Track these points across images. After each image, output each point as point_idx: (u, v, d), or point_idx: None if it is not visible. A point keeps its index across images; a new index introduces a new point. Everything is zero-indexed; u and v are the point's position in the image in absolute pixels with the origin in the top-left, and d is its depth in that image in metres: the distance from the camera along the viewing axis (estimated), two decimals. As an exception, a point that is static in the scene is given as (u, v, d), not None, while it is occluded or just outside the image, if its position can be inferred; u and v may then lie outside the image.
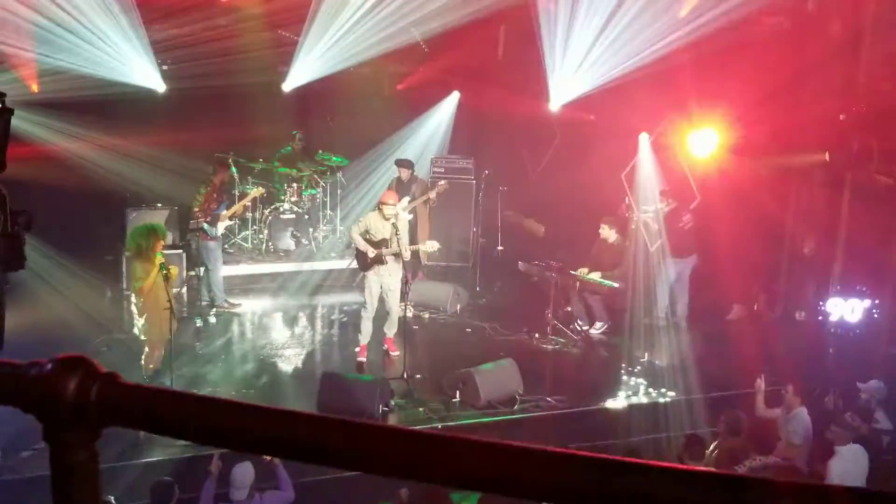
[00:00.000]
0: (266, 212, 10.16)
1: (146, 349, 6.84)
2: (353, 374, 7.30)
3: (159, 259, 6.66)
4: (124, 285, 8.72)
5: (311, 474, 5.78)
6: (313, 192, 10.53)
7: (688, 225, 8.88)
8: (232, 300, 9.17)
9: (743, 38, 8.35)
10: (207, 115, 9.73)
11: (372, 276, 7.63)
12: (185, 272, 9.09)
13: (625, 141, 9.97)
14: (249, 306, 9.30)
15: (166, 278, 6.51)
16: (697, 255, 8.98)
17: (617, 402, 7.35)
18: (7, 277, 1.09)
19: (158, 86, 9.92)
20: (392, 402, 6.83)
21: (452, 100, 11.55)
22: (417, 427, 5.35)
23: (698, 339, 8.32)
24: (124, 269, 8.76)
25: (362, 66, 10.55)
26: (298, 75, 10.56)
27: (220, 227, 8.82)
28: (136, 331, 6.85)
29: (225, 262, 9.23)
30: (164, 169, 9.89)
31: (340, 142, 11.14)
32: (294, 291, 9.75)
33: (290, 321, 9.11)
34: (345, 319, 9.12)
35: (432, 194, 9.41)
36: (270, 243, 10.19)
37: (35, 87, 9.12)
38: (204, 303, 9.05)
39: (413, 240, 8.89)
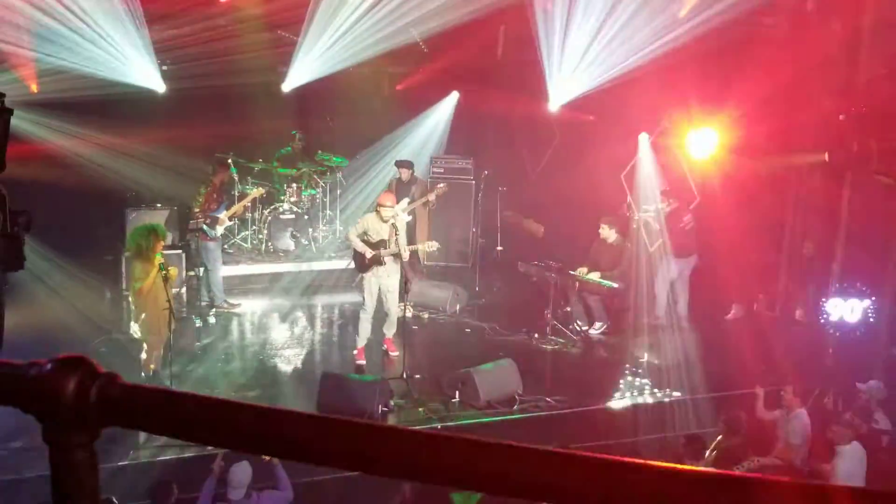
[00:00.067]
0: (266, 212, 10.16)
1: (145, 349, 6.84)
2: (352, 375, 7.31)
3: (159, 259, 6.66)
4: (124, 285, 8.72)
5: (310, 474, 5.77)
6: (313, 192, 10.53)
7: (688, 225, 8.89)
8: (231, 300, 9.17)
9: (742, 39, 8.35)
10: (207, 115, 9.72)
11: (370, 277, 7.61)
12: (184, 272, 9.08)
13: (624, 141, 9.98)
14: (249, 306, 9.30)
15: (165, 279, 6.51)
16: (697, 255, 8.99)
17: (616, 403, 7.35)
18: (7, 278, 1.08)
19: (158, 86, 9.91)
20: (391, 403, 6.83)
21: (451, 100, 11.55)
22: (417, 427, 5.35)
23: (698, 339, 8.32)
24: (124, 270, 8.76)
25: (362, 66, 10.55)
26: (298, 75, 10.56)
27: (220, 228, 8.82)
28: (134, 331, 6.85)
29: (224, 263, 9.23)
30: (164, 169, 9.89)
31: (340, 142, 11.15)
32: (293, 291, 9.75)
33: (290, 321, 9.11)
34: (344, 319, 9.13)
35: (431, 196, 9.41)
36: (270, 243, 10.19)
37: (34, 88, 9.11)
38: (203, 303, 9.05)
39: (412, 241, 8.89)
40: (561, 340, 8.49)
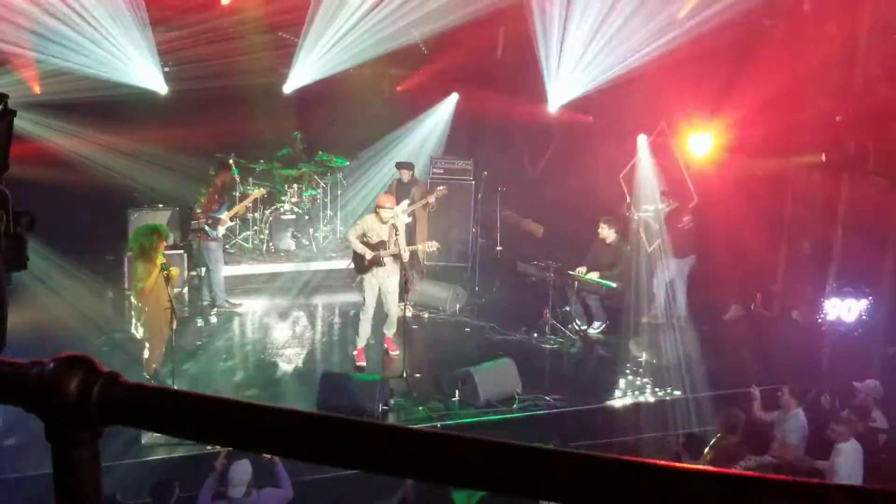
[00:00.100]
0: (267, 212, 10.17)
1: (147, 349, 6.85)
2: (353, 374, 7.32)
3: (161, 259, 6.68)
4: (126, 285, 8.73)
5: (310, 473, 5.79)
6: (314, 192, 10.54)
7: (687, 226, 8.90)
8: (233, 300, 9.18)
9: (740, 40, 8.36)
10: (209, 116, 9.74)
11: (370, 278, 7.60)
12: (186, 272, 9.10)
13: (623, 142, 9.99)
14: (250, 306, 9.32)
15: (167, 279, 6.52)
16: (696, 255, 9.00)
17: (615, 402, 7.36)
18: (10, 277, 1.09)
19: (160, 87, 9.91)
20: (391, 402, 6.84)
21: (451, 101, 11.56)
22: (417, 426, 5.36)
23: (696, 339, 8.33)
24: (126, 270, 8.77)
25: (362, 67, 10.56)
26: (299, 77, 10.56)
27: (221, 229, 8.83)
28: (136, 331, 6.86)
29: (226, 263, 9.25)
30: (166, 170, 9.91)
31: (341, 143, 11.16)
32: (294, 291, 9.76)
33: (291, 321, 9.12)
34: (344, 319, 9.14)
35: (431, 199, 9.40)
36: (271, 243, 10.20)
37: (37, 89, 9.12)
38: (205, 303, 9.06)
39: (412, 241, 8.90)
40: (560, 340, 8.50)
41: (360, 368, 7.65)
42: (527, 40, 9.97)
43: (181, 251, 9.07)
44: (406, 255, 7.48)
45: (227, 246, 9.66)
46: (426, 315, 9.14)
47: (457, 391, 7.02)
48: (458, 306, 9.32)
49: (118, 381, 0.89)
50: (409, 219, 9.37)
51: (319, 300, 9.74)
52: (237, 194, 9.89)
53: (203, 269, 9.11)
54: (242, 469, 5.34)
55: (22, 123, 7.43)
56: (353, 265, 8.04)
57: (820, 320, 8.06)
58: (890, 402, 6.69)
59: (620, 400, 7.39)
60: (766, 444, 6.29)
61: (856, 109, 7.71)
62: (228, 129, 10.08)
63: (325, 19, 9.97)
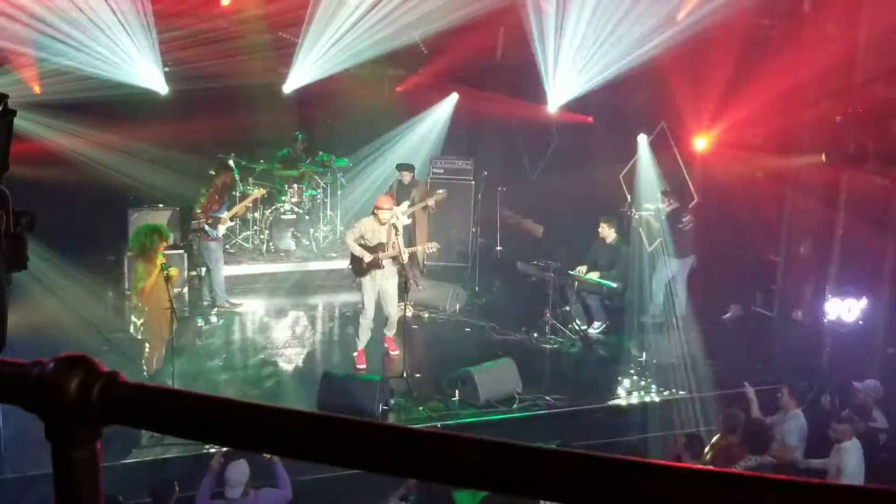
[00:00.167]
0: (267, 212, 10.18)
1: (147, 349, 6.86)
2: (353, 374, 7.32)
3: (161, 259, 6.69)
4: (126, 285, 8.74)
5: (309, 472, 5.79)
6: (314, 192, 10.54)
7: (687, 226, 8.90)
8: (233, 300, 9.19)
9: (739, 40, 8.36)
10: (209, 116, 9.75)
11: (368, 280, 7.55)
12: (186, 272, 9.11)
13: (623, 142, 10.00)
14: (250, 306, 9.32)
15: (167, 279, 6.53)
16: (695, 255, 9.01)
17: (615, 401, 7.37)
18: (10, 277, 1.09)
19: (161, 87, 9.91)
20: (392, 402, 6.85)
21: (451, 101, 11.56)
22: (417, 426, 5.36)
23: (696, 339, 8.34)
24: (126, 270, 8.77)
25: (362, 67, 10.56)
26: (298, 77, 10.56)
27: (221, 228, 8.84)
28: (136, 331, 6.86)
29: (226, 263, 9.25)
30: (166, 169, 9.92)
31: (341, 143, 11.17)
32: (295, 291, 9.77)
33: (291, 321, 9.13)
34: (345, 319, 9.14)
35: (431, 202, 9.39)
36: (271, 243, 10.21)
37: (37, 89, 9.12)
38: (205, 303, 9.07)
39: (412, 242, 8.90)
40: (560, 340, 8.51)
41: (360, 371, 7.64)
42: (526, 41, 9.97)
43: (181, 251, 9.07)
44: (405, 257, 7.46)
45: (227, 246, 9.67)
46: (426, 315, 9.15)
47: (457, 391, 7.03)
48: (458, 306, 9.32)
49: (118, 380, 0.89)
50: (409, 220, 9.37)
51: (319, 300, 9.75)
52: (237, 194, 9.89)
53: (203, 269, 9.13)
54: (239, 470, 5.33)
55: (22, 123, 7.43)
56: (350, 268, 7.98)
57: (820, 320, 8.07)
58: (890, 401, 6.69)
59: (620, 400, 7.40)
60: (765, 445, 6.29)
61: (856, 109, 7.71)
62: (228, 129, 10.10)
63: (325, 19, 9.97)
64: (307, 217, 10.35)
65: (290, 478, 5.53)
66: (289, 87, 10.71)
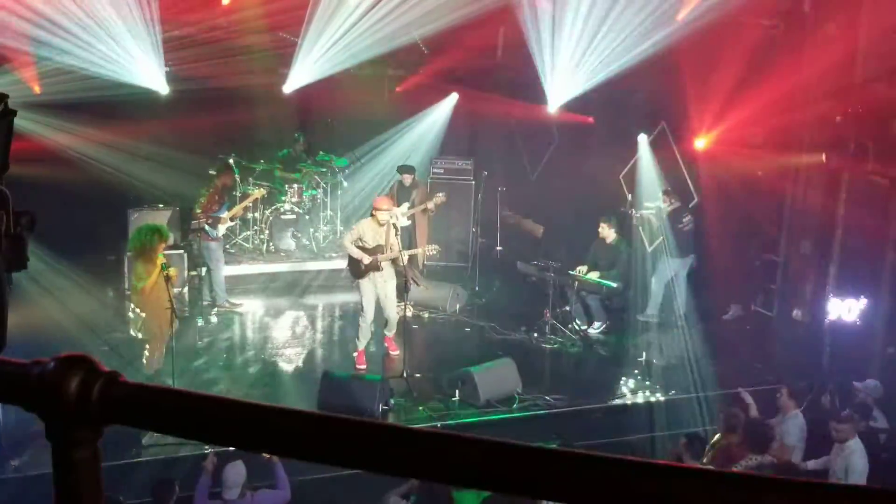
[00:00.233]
0: (267, 212, 10.19)
1: (147, 349, 6.86)
2: (353, 374, 7.32)
3: (161, 259, 6.69)
4: (126, 285, 8.74)
5: (309, 472, 5.79)
6: (314, 192, 10.55)
7: (687, 226, 8.91)
8: (233, 300, 9.20)
9: (740, 41, 8.37)
10: (209, 116, 9.76)
11: (367, 283, 7.52)
12: (186, 272, 9.11)
13: (623, 142, 10.00)
14: (250, 306, 9.33)
15: (167, 278, 6.53)
16: (695, 255, 9.01)
17: (615, 401, 7.37)
18: (11, 277, 1.09)
19: (162, 87, 9.92)
20: (392, 402, 6.85)
21: (450, 101, 11.56)
22: (417, 426, 5.35)
23: (696, 339, 8.35)
24: (126, 269, 8.77)
25: (362, 67, 10.57)
26: (298, 77, 10.57)
27: (222, 228, 8.84)
28: (136, 330, 6.87)
29: (226, 262, 9.25)
30: (166, 169, 9.92)
31: (341, 143, 11.17)
32: (295, 291, 9.78)
33: (291, 321, 9.13)
34: (345, 319, 9.15)
35: (430, 205, 9.39)
36: (271, 243, 10.22)
37: (37, 89, 9.11)
38: (205, 302, 9.07)
39: (412, 244, 8.90)
40: (560, 340, 8.51)
41: (360, 371, 7.64)
42: (526, 41, 9.97)
43: (181, 251, 9.08)
44: (405, 259, 7.45)
45: (227, 246, 9.68)
46: (426, 315, 9.15)
47: (457, 391, 7.03)
48: (458, 306, 9.33)
49: (118, 380, 0.88)
50: (409, 222, 9.38)
51: (320, 300, 9.76)
52: (237, 194, 9.90)
53: (203, 269, 9.13)
54: (236, 471, 5.33)
55: (22, 123, 7.42)
56: (348, 271, 7.87)
57: (820, 320, 8.07)
58: (890, 401, 6.69)
59: (620, 399, 7.39)
60: (766, 444, 6.29)
61: (856, 109, 7.72)
62: (229, 129, 10.11)
63: (325, 19, 9.97)
64: (307, 217, 10.36)
65: (290, 478, 5.53)
66: (289, 87, 10.71)
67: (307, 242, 10.33)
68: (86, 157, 9.70)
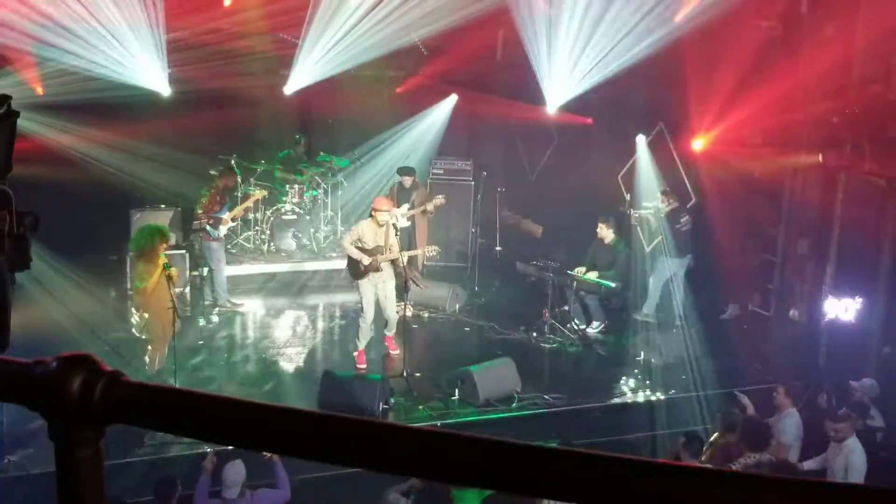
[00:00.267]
0: (268, 213, 10.19)
1: (149, 349, 6.88)
2: (353, 373, 7.32)
3: (162, 260, 6.69)
4: (128, 285, 8.74)
5: (309, 471, 5.79)
6: (315, 193, 10.55)
7: (685, 226, 8.91)
8: (234, 300, 9.21)
9: (737, 41, 8.37)
10: (210, 117, 9.76)
11: (366, 283, 7.51)
12: (188, 272, 9.12)
13: (622, 142, 10.01)
14: (251, 306, 9.34)
15: (169, 279, 6.53)
16: (692, 254, 9.02)
17: (613, 400, 7.38)
18: (14, 277, 1.10)
19: (164, 88, 9.91)
20: (392, 401, 6.86)
21: (450, 102, 11.56)
22: (417, 425, 5.35)
23: (694, 338, 8.36)
24: (128, 270, 8.77)
25: (362, 68, 10.57)
26: (299, 78, 10.57)
27: (223, 228, 8.85)
28: (138, 330, 6.87)
29: (228, 263, 9.26)
30: (168, 170, 9.92)
31: (341, 144, 11.17)
32: (295, 291, 9.79)
33: (292, 321, 9.14)
34: (345, 319, 9.16)
35: (430, 206, 9.39)
36: (272, 244, 10.22)
37: (40, 90, 9.11)
38: (207, 302, 9.08)
39: (412, 245, 8.89)
40: (559, 339, 8.52)
41: (360, 370, 7.64)
42: (526, 42, 9.98)
43: (183, 251, 9.08)
44: (404, 259, 7.44)
45: (228, 246, 9.68)
46: (426, 315, 9.15)
47: (457, 390, 7.04)
48: (457, 306, 9.33)
49: (121, 380, 0.89)
50: (408, 223, 9.38)
51: (320, 300, 9.76)
52: (238, 195, 9.90)
53: (205, 269, 9.14)
54: (236, 470, 5.33)
55: (25, 124, 7.43)
56: (347, 272, 7.86)
57: (817, 319, 8.08)
58: (886, 400, 6.70)
59: (619, 399, 7.40)
60: (764, 443, 6.30)
61: (853, 110, 7.73)
62: (230, 130, 10.10)
63: (325, 20, 9.97)
64: (308, 217, 10.36)
65: (290, 476, 5.53)
66: (289, 88, 10.71)
67: (308, 243, 10.33)
68: (88, 158, 9.70)
